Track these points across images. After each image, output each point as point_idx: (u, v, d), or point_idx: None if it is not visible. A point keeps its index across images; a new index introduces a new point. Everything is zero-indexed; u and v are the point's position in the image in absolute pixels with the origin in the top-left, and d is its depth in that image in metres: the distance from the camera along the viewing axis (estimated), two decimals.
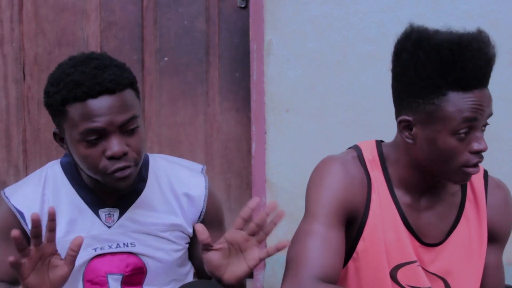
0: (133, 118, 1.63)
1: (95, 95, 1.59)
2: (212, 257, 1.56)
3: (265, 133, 2.92)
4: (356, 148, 1.72)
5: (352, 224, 1.67)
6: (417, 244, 1.68)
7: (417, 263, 1.68)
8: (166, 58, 3.07)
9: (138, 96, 1.70)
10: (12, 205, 1.71)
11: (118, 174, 1.62)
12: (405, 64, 1.57)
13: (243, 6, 3.01)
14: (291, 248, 1.63)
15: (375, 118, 2.86)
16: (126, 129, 1.62)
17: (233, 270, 1.58)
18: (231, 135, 3.07)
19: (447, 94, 1.54)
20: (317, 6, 2.87)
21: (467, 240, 1.70)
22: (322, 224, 1.61)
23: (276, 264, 2.92)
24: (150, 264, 1.74)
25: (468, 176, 1.60)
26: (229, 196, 3.07)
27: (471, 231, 1.71)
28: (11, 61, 3.08)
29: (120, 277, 1.73)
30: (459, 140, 1.55)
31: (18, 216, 1.71)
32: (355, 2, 2.85)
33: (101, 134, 1.60)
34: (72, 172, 1.74)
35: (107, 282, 1.73)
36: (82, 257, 1.71)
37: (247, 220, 1.57)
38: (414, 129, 1.59)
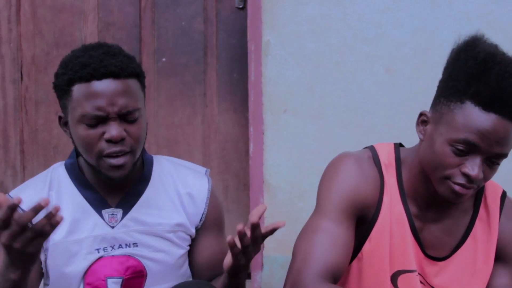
0: (135, 109, 1.66)
1: (99, 77, 1.63)
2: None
3: (263, 133, 2.91)
4: (372, 149, 1.69)
5: (361, 224, 1.65)
6: (421, 255, 1.67)
7: (416, 273, 1.66)
8: (164, 59, 3.06)
9: (143, 90, 1.72)
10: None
11: (113, 161, 1.64)
12: (449, 61, 1.57)
13: (241, 6, 3.01)
14: (299, 242, 1.62)
15: (373, 119, 2.86)
16: (127, 118, 1.65)
17: None
18: (229, 136, 3.07)
19: (464, 102, 1.51)
20: (315, 7, 2.87)
21: (472, 259, 1.68)
22: (331, 221, 1.60)
23: (274, 265, 2.92)
24: (150, 267, 1.74)
25: (453, 193, 1.55)
26: (227, 197, 3.07)
27: (477, 251, 1.68)
28: (9, 61, 3.07)
29: (119, 280, 1.73)
30: (454, 152, 1.53)
31: None
32: (353, 3, 2.84)
33: (102, 118, 1.63)
34: (76, 173, 1.75)
35: (107, 286, 1.72)
36: (86, 260, 1.71)
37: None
38: (428, 125, 1.59)
